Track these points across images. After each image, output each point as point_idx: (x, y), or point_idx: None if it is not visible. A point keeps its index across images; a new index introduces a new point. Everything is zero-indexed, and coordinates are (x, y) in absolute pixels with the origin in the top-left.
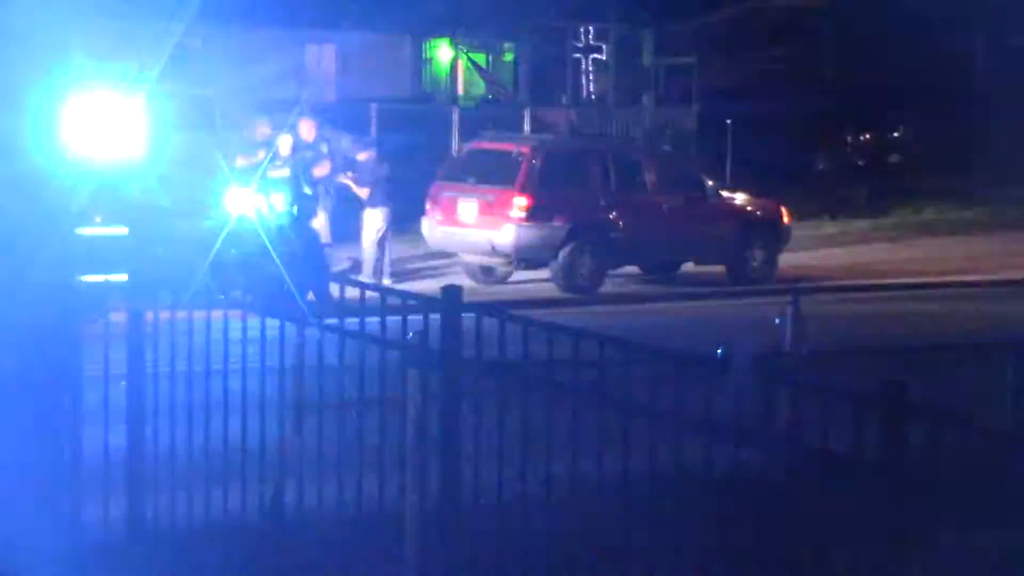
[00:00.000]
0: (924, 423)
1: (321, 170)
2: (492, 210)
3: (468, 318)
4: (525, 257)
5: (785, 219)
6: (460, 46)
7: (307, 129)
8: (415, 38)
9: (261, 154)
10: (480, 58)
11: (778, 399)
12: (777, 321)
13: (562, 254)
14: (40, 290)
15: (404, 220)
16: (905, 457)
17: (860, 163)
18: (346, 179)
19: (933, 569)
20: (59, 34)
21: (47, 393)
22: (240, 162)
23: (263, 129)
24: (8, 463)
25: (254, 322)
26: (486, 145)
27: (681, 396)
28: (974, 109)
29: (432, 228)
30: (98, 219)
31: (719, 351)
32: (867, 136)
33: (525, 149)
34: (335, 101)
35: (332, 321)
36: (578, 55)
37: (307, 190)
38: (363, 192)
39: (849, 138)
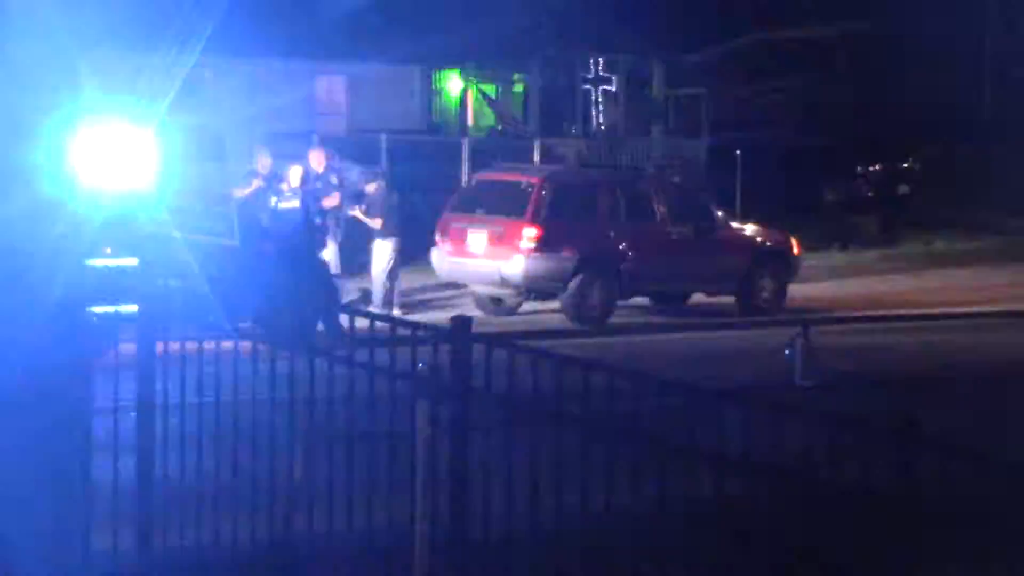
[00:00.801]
0: (934, 455)
1: (331, 201)
2: (502, 241)
3: (478, 349)
4: (535, 288)
5: (795, 250)
6: (470, 77)
7: (317, 160)
8: (425, 69)
9: (256, 184)
10: (490, 89)
11: (787, 430)
12: (787, 352)
13: (572, 285)
14: (51, 321)
15: (414, 251)
16: (916, 489)
17: (870, 194)
18: (357, 212)
19: None
20: (70, 66)
21: (57, 423)
22: (237, 193)
23: (264, 160)
24: (18, 493)
25: (264, 353)
26: (496, 176)
27: (692, 428)
28: (983, 140)
29: (442, 259)
30: (108, 250)
31: None
32: (877, 167)
33: (535, 180)
34: (345, 132)
35: (342, 352)
36: (588, 86)
37: (317, 221)
38: (375, 223)
39: (859, 169)
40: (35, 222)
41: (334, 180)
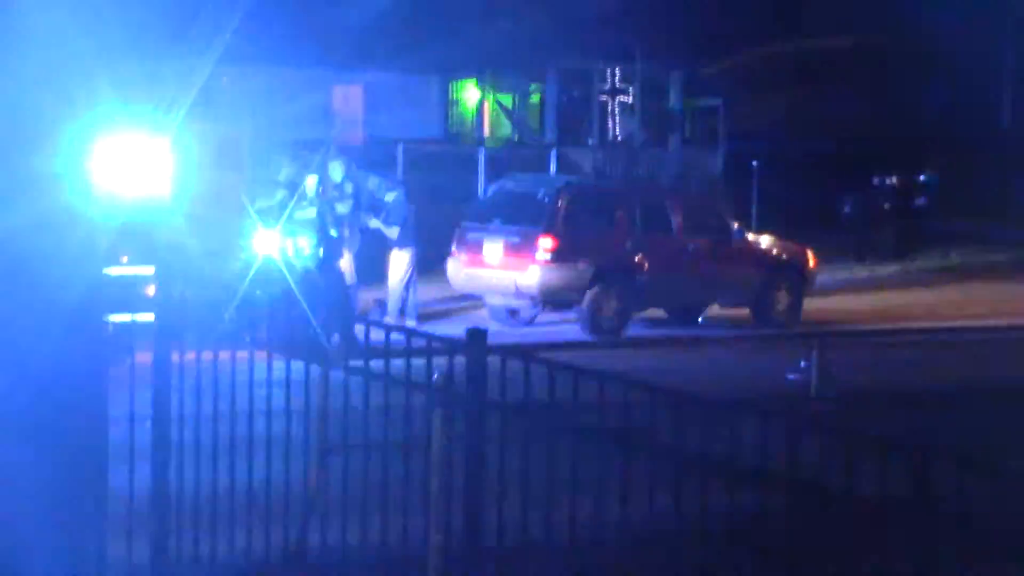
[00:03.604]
0: (952, 468)
1: (345, 212)
2: (517, 252)
3: (493, 360)
4: (550, 299)
5: (811, 262)
6: (487, 87)
7: (334, 170)
8: (442, 79)
9: (280, 195)
10: (507, 99)
11: (804, 444)
12: (802, 364)
13: (587, 296)
14: (67, 329)
15: (430, 262)
16: (933, 503)
17: (886, 206)
18: (375, 221)
19: None
20: (87, 73)
21: (73, 432)
22: (260, 203)
23: (285, 170)
24: (34, 502)
25: (279, 363)
26: (512, 186)
27: (707, 440)
28: (1000, 152)
29: (457, 270)
30: (125, 259)
31: None
32: (893, 179)
33: (551, 191)
34: (362, 141)
35: (357, 362)
36: (604, 96)
37: (333, 231)
38: (392, 232)
39: (875, 181)
40: (52, 231)
41: (349, 189)
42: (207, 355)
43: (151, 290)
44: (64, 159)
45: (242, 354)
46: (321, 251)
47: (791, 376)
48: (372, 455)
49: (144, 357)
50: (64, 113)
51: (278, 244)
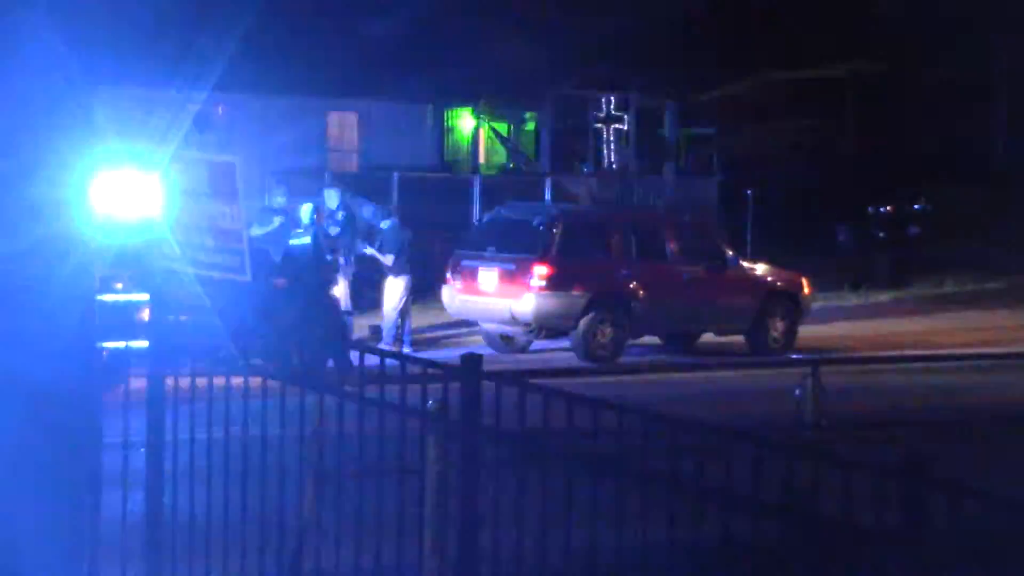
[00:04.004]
0: (945, 497)
1: (340, 240)
2: (512, 279)
3: (488, 386)
4: (545, 326)
5: (806, 290)
6: (482, 115)
7: (329, 197)
8: (437, 107)
9: (276, 222)
10: (502, 127)
11: (796, 471)
12: (797, 392)
13: (582, 323)
14: (61, 355)
15: (424, 288)
16: (927, 532)
17: (881, 235)
18: (370, 249)
19: None
20: (85, 103)
21: (67, 458)
22: (255, 231)
23: (279, 198)
24: (27, 527)
25: (274, 389)
26: (507, 214)
27: (701, 467)
28: (994, 181)
29: (452, 296)
30: (119, 285)
31: None
32: (888, 208)
33: (546, 218)
34: (357, 169)
35: (351, 388)
36: (600, 125)
37: (328, 258)
38: (387, 259)
39: (870, 209)
40: (46, 257)
41: (340, 216)
42: (202, 381)
43: (145, 315)
44: (61, 187)
45: (237, 380)
46: (316, 277)
47: (798, 392)
48: (367, 481)
49: (138, 383)
50: (61, 142)
51: (273, 271)
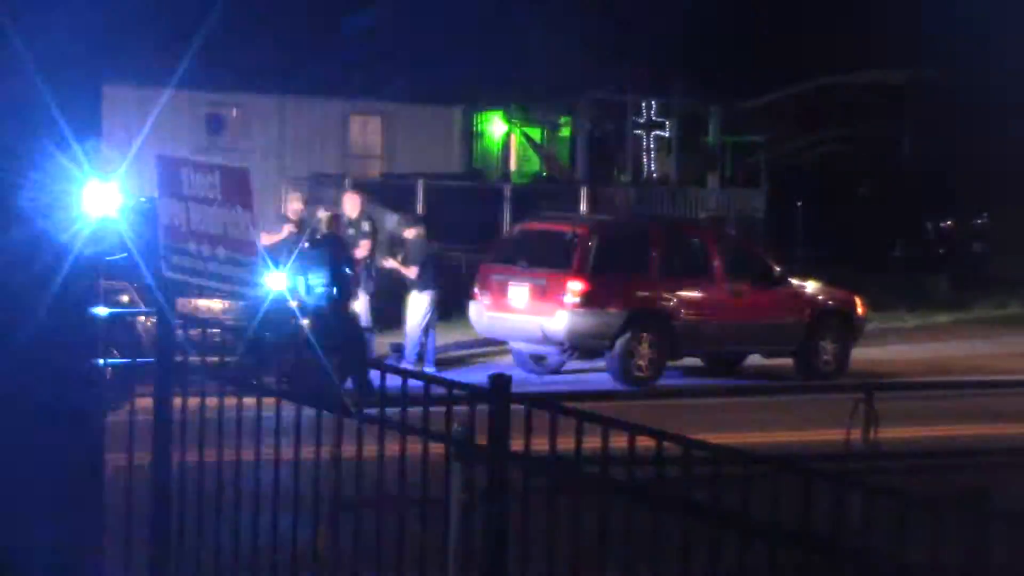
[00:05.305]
0: (1007, 530)
1: (361, 251)
2: (544, 295)
3: (517, 410)
4: (579, 345)
5: (859, 310)
6: (514, 119)
7: (351, 205)
8: (466, 110)
9: (288, 230)
10: (535, 132)
11: (848, 503)
12: (849, 419)
13: (619, 343)
14: (58, 372)
15: (450, 304)
16: (987, 570)
17: (940, 251)
18: (392, 262)
19: None
20: (87, 104)
21: (67, 483)
22: (265, 239)
23: (295, 205)
24: (27, 555)
25: (289, 410)
26: (539, 225)
27: (746, 498)
28: None
29: (480, 313)
30: (126, 298)
31: None
32: (948, 223)
33: (581, 230)
34: (380, 176)
35: (372, 410)
36: (639, 131)
37: (347, 270)
38: (411, 272)
39: (929, 224)
40: (41, 266)
41: (366, 228)
42: (212, 400)
43: (151, 329)
44: (57, 193)
45: (249, 400)
46: (334, 291)
47: (850, 419)
48: (386, 511)
49: (144, 402)
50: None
51: (287, 283)
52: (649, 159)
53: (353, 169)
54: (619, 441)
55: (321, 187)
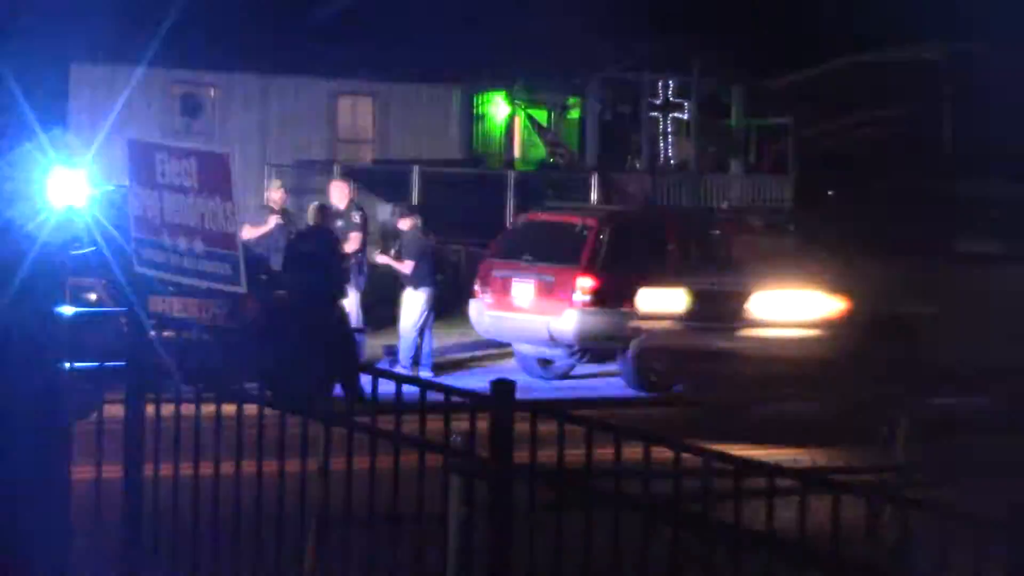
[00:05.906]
0: None
1: (351, 245)
2: (551, 293)
3: (522, 418)
4: (589, 348)
5: None
6: (518, 101)
7: (338, 194)
8: (465, 90)
9: (274, 221)
10: (540, 115)
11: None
12: (884, 428)
13: (632, 345)
14: (22, 379)
15: (449, 303)
16: None
17: None
18: (385, 257)
19: None
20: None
21: (28, 498)
22: (249, 232)
23: (275, 194)
24: None
25: (272, 417)
26: (545, 216)
27: (771, 513)
28: None
29: (481, 313)
30: (93, 296)
31: None
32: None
33: (591, 222)
34: (371, 162)
35: (362, 419)
36: (655, 113)
37: (334, 265)
38: (406, 267)
39: None
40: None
41: (357, 219)
42: (187, 407)
43: (122, 329)
44: (18, 180)
45: (228, 406)
46: (323, 287)
47: (887, 427)
48: (379, 526)
49: (114, 409)
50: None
51: (270, 278)
52: (666, 144)
53: (342, 155)
54: (633, 452)
55: (307, 175)
